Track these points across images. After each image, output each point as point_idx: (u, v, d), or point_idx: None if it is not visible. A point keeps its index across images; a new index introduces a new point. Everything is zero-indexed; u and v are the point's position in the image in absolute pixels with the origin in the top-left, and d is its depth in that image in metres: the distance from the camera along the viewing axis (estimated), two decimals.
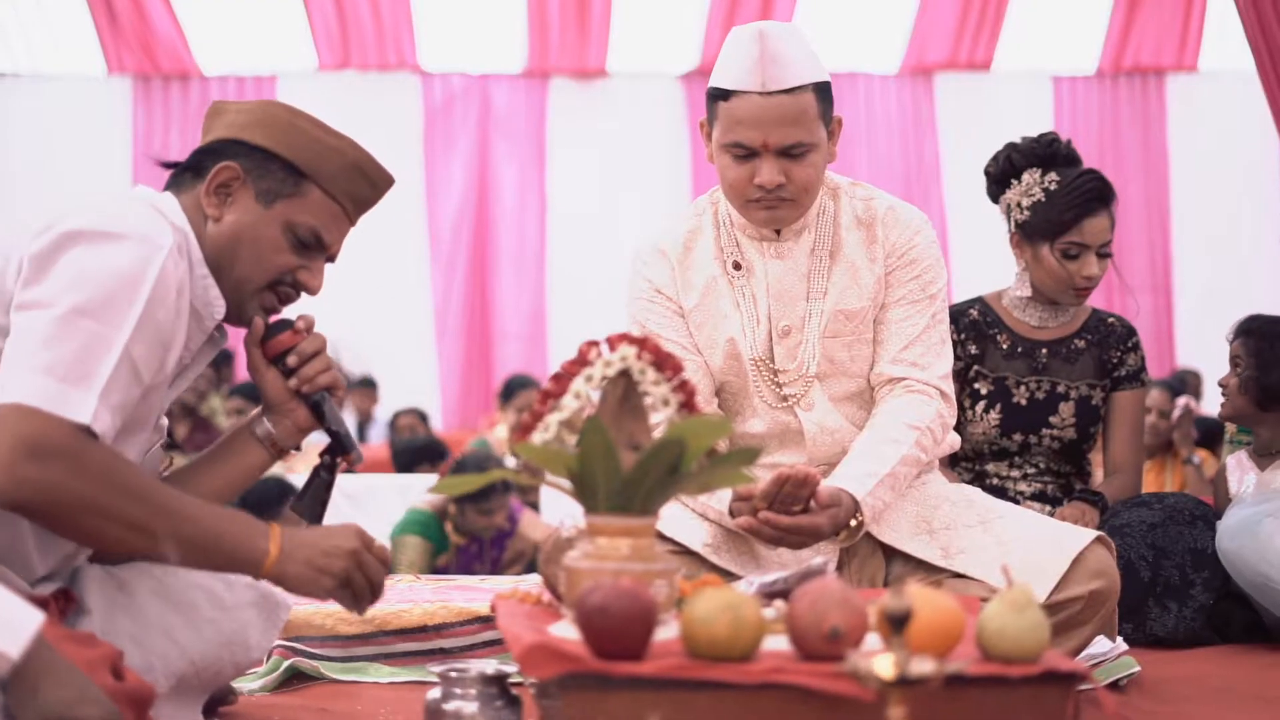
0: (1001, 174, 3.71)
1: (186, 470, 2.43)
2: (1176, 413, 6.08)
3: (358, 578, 2.12)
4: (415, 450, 7.26)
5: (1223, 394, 3.77)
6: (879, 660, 1.64)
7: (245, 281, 2.28)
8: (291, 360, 2.38)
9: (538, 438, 2.04)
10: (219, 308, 2.27)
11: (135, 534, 2.02)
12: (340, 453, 2.41)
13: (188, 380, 2.35)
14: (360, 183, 2.33)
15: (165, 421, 2.38)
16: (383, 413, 10.30)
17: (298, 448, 2.45)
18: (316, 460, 2.43)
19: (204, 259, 2.26)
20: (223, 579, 2.37)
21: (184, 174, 2.32)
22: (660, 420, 2.07)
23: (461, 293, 11.52)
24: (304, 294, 2.35)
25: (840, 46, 11.25)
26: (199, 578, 2.34)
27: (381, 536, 5.86)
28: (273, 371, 2.39)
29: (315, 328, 2.41)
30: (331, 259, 2.36)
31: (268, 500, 5.64)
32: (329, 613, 3.01)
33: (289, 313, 2.40)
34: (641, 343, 2.07)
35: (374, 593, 2.17)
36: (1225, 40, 11.16)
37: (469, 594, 3.22)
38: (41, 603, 2.10)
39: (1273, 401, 3.68)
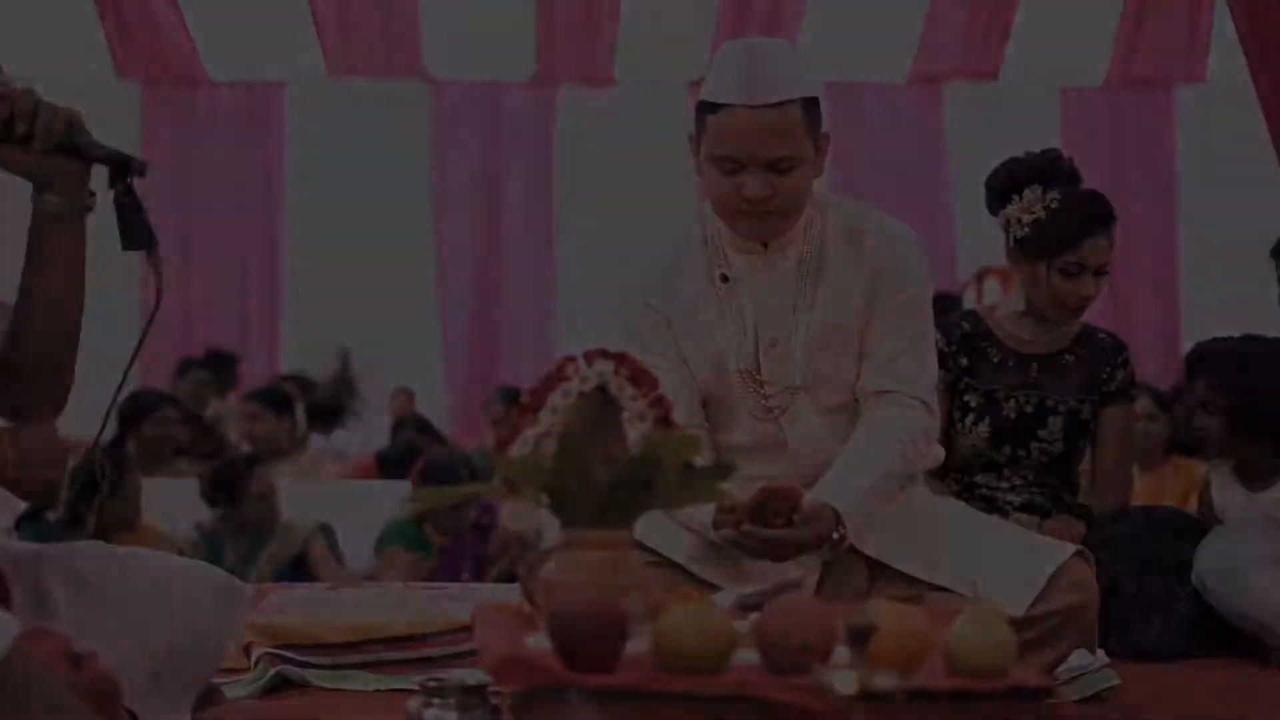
0: (1002, 188, 3.69)
1: (23, 289, 2.27)
2: None
3: None
4: (398, 458, 7.35)
5: (1202, 433, 3.73)
6: (841, 674, 1.67)
7: None
8: (21, 128, 2.20)
9: (515, 451, 2.06)
10: None
11: None
12: (125, 173, 2.28)
13: None
14: None
15: None
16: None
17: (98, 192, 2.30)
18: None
19: None
20: (180, 568, 2.36)
21: None
22: (637, 435, 2.09)
23: (469, 300, 11.55)
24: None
25: (848, 55, 11.25)
26: (157, 568, 2.32)
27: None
28: (10, 150, 2.22)
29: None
30: None
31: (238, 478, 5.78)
32: (316, 621, 3.03)
33: None
34: (619, 358, 2.09)
35: None
36: (1234, 51, 11.14)
37: (458, 603, 3.24)
38: None
39: (1264, 434, 3.66)
